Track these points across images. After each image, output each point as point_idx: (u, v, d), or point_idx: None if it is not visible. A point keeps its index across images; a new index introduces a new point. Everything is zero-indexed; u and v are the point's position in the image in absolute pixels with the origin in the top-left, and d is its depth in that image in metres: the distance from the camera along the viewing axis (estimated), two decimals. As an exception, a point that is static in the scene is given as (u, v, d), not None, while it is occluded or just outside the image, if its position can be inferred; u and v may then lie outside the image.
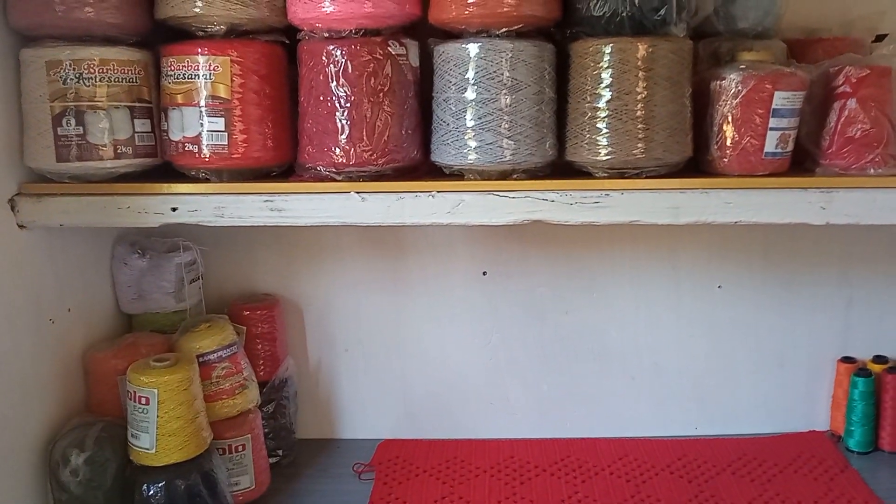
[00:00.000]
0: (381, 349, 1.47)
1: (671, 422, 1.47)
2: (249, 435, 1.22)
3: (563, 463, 1.37)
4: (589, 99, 1.04)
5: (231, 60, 1.06)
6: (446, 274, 1.44)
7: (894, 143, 1.04)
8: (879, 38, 1.19)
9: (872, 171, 1.03)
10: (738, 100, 1.02)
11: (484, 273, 1.44)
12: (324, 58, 1.03)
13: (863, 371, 1.36)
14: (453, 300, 1.45)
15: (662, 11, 0.99)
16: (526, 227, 1.05)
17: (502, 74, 1.02)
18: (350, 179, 1.06)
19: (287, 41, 1.10)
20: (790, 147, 1.05)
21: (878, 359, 1.39)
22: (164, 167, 1.14)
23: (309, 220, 1.07)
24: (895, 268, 1.40)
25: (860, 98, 1.03)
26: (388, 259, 1.44)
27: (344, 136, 1.03)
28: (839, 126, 1.05)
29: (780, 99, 1.01)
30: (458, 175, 1.09)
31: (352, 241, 1.43)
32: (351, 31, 1.03)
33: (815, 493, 1.24)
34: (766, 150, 1.03)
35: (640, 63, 1.00)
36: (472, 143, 1.04)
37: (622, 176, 1.05)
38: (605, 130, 1.03)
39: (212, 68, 1.06)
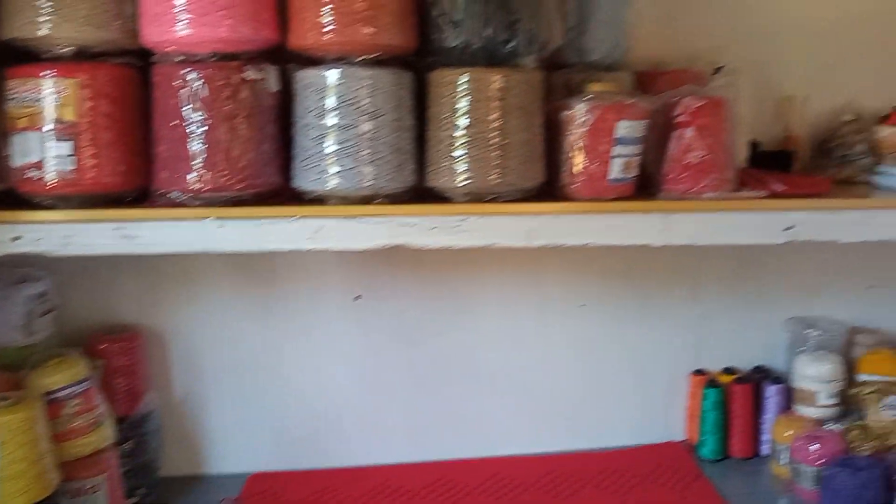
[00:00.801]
0: (252, 378, 1.44)
1: (542, 438, 1.51)
2: (104, 475, 1.16)
3: (435, 485, 1.38)
4: (446, 127, 1.06)
5: (80, 83, 1.02)
6: (318, 299, 1.43)
7: (728, 168, 1.13)
8: (718, 70, 1.29)
9: (708, 195, 1.11)
10: (585, 129, 1.08)
11: (357, 297, 1.44)
12: (178, 82, 1.01)
13: (712, 383, 1.45)
14: (326, 325, 1.44)
15: (513, 44, 1.04)
16: (397, 251, 1.07)
17: (362, 101, 1.03)
18: (207, 205, 1.04)
19: (140, 64, 1.07)
20: (634, 173, 1.12)
21: (727, 371, 1.49)
22: (9, 195, 1.08)
23: (163, 247, 1.04)
24: (741, 284, 1.50)
25: (697, 127, 1.11)
26: (259, 284, 1.42)
27: (198, 162, 1.01)
28: (678, 153, 1.12)
29: (623, 128, 1.08)
30: (319, 200, 1.09)
31: (220, 267, 1.40)
32: (206, 54, 1.01)
33: (669, 503, 1.31)
34: (611, 175, 1.09)
35: (493, 93, 1.04)
36: (333, 169, 1.05)
37: (480, 201, 1.08)
38: (462, 157, 1.06)
39: (58, 91, 1.01)
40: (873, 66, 1.37)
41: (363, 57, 1.04)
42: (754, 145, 1.32)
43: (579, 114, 1.08)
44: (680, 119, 1.13)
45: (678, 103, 1.13)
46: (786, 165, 1.32)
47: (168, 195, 1.05)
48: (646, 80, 1.26)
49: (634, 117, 1.09)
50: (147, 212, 1.04)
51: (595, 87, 1.12)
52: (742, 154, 1.30)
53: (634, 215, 1.09)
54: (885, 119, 1.34)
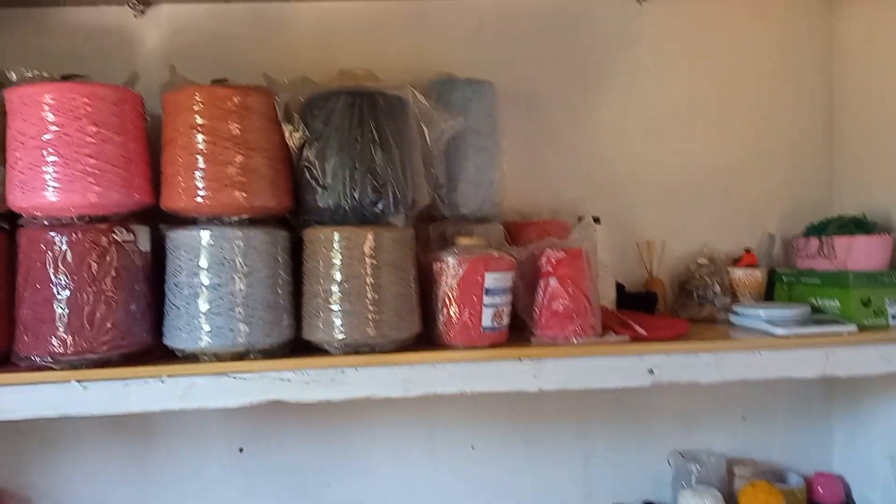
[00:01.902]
0: (125, 544, 1.35)
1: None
2: None
3: None
4: (322, 282, 1.09)
5: (-60, 247, 1.00)
6: (199, 454, 1.39)
7: (592, 314, 1.19)
8: (580, 219, 1.38)
9: (575, 340, 1.16)
10: (456, 280, 1.13)
11: (241, 450, 1.40)
12: (42, 245, 1.01)
13: (602, 520, 1.46)
14: (207, 482, 1.39)
15: (380, 205, 1.09)
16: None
17: (235, 260, 1.05)
18: (72, 368, 1.02)
19: (6, 227, 1.07)
20: (506, 320, 1.16)
21: (617, 507, 1.50)
22: None
23: (24, 413, 1.00)
24: (624, 420, 1.54)
25: (559, 277, 1.18)
26: (134, 443, 1.36)
27: (62, 324, 0.99)
28: (545, 301, 1.18)
29: (492, 279, 1.13)
30: (192, 357, 1.08)
31: (91, 426, 1.34)
32: (74, 217, 1.02)
33: None
34: (483, 324, 1.13)
35: (365, 250, 1.08)
36: (206, 328, 1.05)
37: (356, 352, 1.10)
38: (337, 311, 1.08)
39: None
40: (724, 212, 1.50)
41: (236, 217, 1.07)
42: (620, 287, 1.40)
43: (450, 266, 1.13)
44: (544, 269, 1.19)
45: (542, 255, 1.20)
46: (650, 306, 1.40)
47: (29, 359, 1.02)
48: (515, 231, 1.34)
49: (501, 269, 1.14)
50: (7, 376, 1.01)
51: (464, 241, 1.18)
52: (610, 296, 1.37)
53: (508, 362, 1.12)
54: (737, 261, 1.45)
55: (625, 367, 1.14)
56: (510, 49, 1.41)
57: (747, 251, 1.46)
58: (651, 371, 1.14)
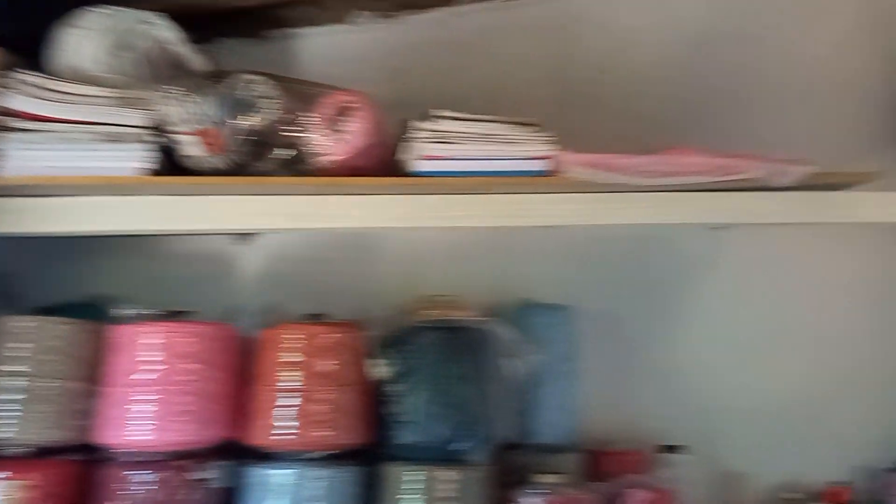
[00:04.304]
0: None
1: None
2: None
3: None
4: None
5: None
6: None
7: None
8: (663, 449, 1.33)
9: None
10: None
11: None
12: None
13: None
14: None
15: (462, 443, 1.08)
16: None
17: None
18: None
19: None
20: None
21: None
22: None
23: None
24: None
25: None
26: None
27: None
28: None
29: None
30: None
31: None
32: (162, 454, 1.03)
33: None
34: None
35: (443, 490, 1.06)
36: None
37: None
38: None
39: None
40: (814, 442, 1.43)
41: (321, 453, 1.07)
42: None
43: (532, 507, 1.10)
44: (632, 511, 1.14)
45: (626, 495, 1.16)
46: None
47: None
48: (593, 460, 1.30)
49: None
50: None
51: (545, 479, 1.15)
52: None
53: None
54: (821, 496, 1.37)
55: None
56: (592, 273, 1.43)
57: (835, 485, 1.37)
58: None
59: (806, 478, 1.41)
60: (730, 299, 1.46)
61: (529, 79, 1.46)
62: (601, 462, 1.30)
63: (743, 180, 1.09)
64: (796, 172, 1.07)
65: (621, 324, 1.42)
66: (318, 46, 1.45)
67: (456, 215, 1.11)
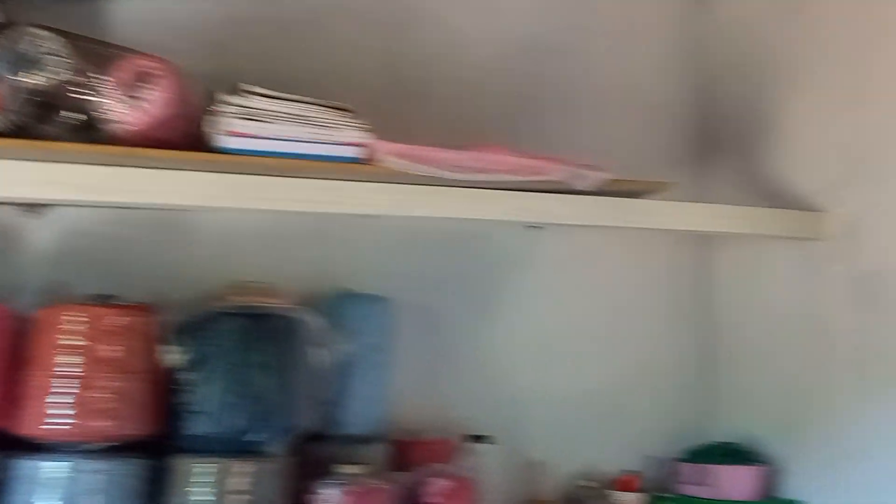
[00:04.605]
0: None
1: None
2: None
3: None
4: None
5: None
6: None
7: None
8: (472, 438, 1.36)
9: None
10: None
11: None
12: None
13: None
14: None
15: (257, 434, 1.05)
16: None
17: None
18: None
19: None
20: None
21: None
22: None
23: None
24: None
25: None
26: None
27: None
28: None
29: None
30: None
31: None
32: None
33: None
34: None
35: (235, 483, 1.03)
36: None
37: None
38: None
39: None
40: (610, 433, 1.52)
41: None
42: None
43: (331, 499, 1.08)
44: (431, 500, 1.16)
45: (428, 482, 1.17)
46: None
47: None
48: (400, 450, 1.30)
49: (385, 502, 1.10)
50: None
51: (346, 469, 1.14)
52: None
53: None
54: (616, 485, 1.46)
55: None
56: (412, 265, 1.43)
57: (627, 474, 1.47)
58: None
59: (602, 467, 1.49)
60: (539, 296, 1.52)
61: (358, 66, 1.44)
62: (407, 452, 1.30)
63: (547, 182, 1.13)
64: (595, 177, 1.13)
65: (437, 316, 1.44)
66: (136, 12, 1.35)
67: (265, 197, 1.07)
